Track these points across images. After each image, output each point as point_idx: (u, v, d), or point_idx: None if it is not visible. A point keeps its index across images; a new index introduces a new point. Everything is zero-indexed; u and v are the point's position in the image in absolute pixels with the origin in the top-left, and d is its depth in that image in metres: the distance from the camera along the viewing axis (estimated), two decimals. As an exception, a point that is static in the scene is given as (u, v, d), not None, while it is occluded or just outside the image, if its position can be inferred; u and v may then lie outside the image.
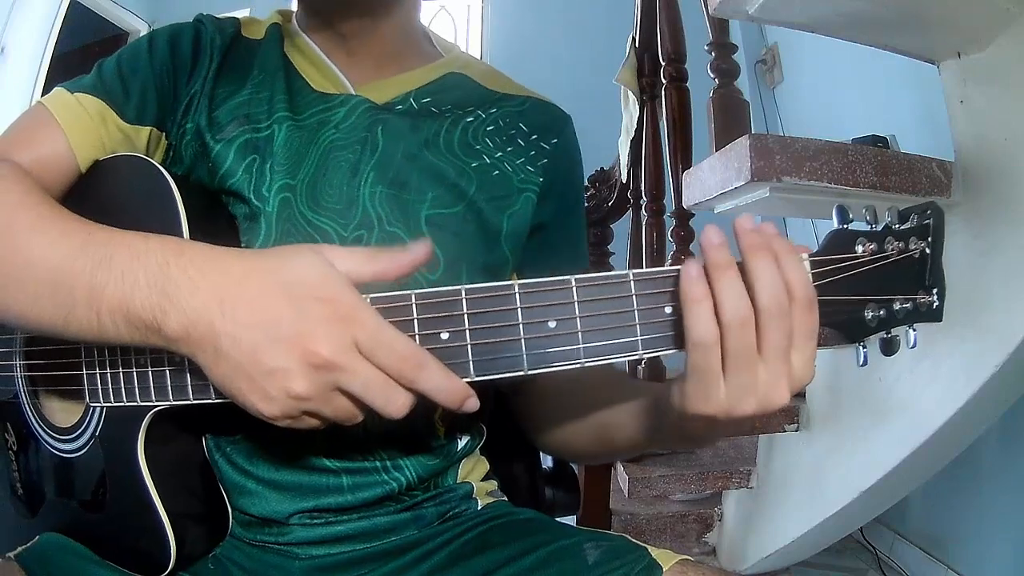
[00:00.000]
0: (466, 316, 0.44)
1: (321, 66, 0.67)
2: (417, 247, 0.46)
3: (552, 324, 0.44)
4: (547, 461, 0.96)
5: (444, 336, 0.44)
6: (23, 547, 0.61)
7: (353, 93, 0.66)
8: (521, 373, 0.45)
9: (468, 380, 0.44)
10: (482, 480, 0.72)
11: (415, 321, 0.44)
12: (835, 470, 1.31)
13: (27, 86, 2.75)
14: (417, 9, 0.72)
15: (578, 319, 0.44)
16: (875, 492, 1.24)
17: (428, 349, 0.44)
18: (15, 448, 0.66)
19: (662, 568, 0.56)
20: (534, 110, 0.72)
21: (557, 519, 0.70)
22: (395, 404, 0.43)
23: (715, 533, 1.68)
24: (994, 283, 0.98)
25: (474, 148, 0.67)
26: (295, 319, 0.42)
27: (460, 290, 0.44)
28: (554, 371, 0.45)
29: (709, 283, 0.43)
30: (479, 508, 0.69)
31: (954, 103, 1.06)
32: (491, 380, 0.45)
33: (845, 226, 0.46)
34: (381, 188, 0.62)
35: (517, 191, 0.67)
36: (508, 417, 0.76)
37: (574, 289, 0.44)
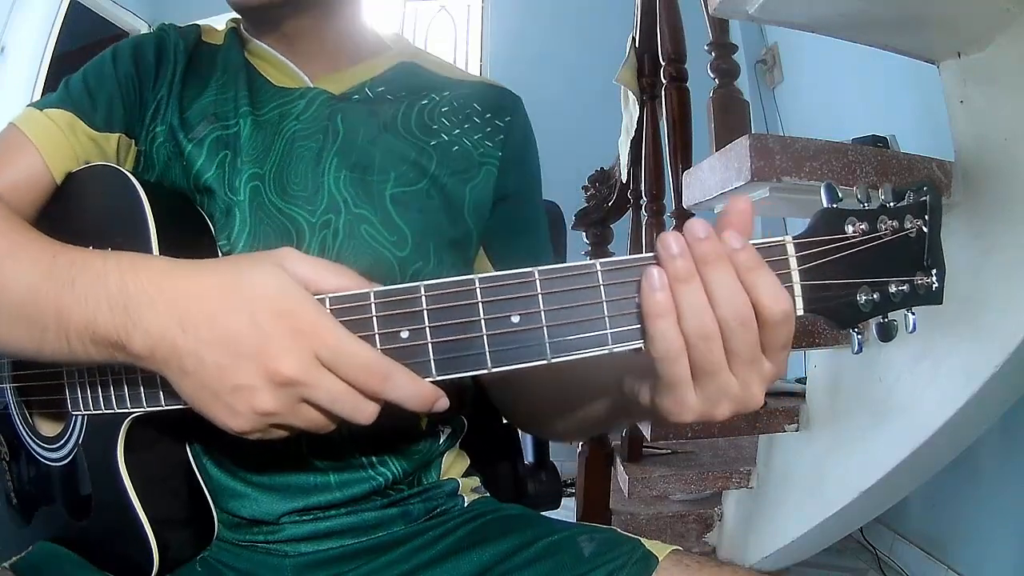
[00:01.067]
0: (426, 313, 0.43)
1: (278, 64, 0.69)
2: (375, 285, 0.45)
3: (515, 319, 0.42)
4: (528, 455, 0.96)
5: (404, 335, 0.43)
6: (17, 556, 0.61)
7: (311, 86, 0.68)
8: (485, 372, 0.43)
9: (431, 379, 0.43)
10: (465, 476, 0.72)
11: (374, 319, 0.43)
12: (835, 470, 1.31)
13: (27, 86, 2.75)
14: (359, 6, 0.72)
15: (543, 312, 0.42)
16: (875, 492, 1.24)
17: (388, 349, 0.42)
18: (7, 458, 0.67)
19: (657, 558, 0.57)
20: (485, 92, 0.73)
21: (541, 513, 0.70)
22: (363, 414, 0.43)
23: (715, 533, 1.68)
24: (994, 283, 0.98)
25: (431, 128, 0.68)
26: (255, 335, 0.41)
27: (419, 287, 0.43)
28: (520, 368, 0.43)
29: (671, 292, 0.40)
30: (465, 505, 0.69)
31: (954, 103, 1.06)
32: (455, 379, 0.44)
33: (834, 205, 0.43)
34: (345, 172, 0.64)
35: (478, 164, 0.69)
36: (490, 413, 0.76)
37: (537, 281, 0.42)
